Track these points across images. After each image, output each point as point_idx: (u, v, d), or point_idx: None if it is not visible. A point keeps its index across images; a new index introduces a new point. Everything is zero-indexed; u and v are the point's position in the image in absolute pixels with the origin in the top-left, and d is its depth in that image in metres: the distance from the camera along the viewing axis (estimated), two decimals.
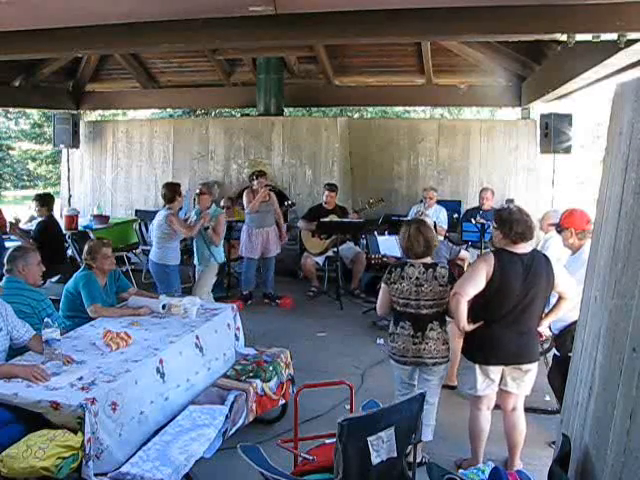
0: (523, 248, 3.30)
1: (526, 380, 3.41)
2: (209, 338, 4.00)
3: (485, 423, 3.47)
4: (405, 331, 3.55)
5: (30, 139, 18.61)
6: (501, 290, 3.23)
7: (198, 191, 6.39)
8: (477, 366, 3.37)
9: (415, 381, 3.67)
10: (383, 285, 3.68)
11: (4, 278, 3.92)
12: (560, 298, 3.43)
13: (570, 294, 3.37)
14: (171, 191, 5.96)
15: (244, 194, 7.21)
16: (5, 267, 3.90)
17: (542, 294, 3.31)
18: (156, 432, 3.18)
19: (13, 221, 6.87)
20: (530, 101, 8.07)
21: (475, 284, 3.22)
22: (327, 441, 2.96)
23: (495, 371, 3.36)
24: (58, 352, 3.31)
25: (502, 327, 3.28)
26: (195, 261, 6.45)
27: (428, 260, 3.62)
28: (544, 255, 3.41)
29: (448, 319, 4.76)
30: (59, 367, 3.21)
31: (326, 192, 7.48)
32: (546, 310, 3.50)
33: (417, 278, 3.52)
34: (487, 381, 3.38)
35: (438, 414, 3.70)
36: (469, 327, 3.29)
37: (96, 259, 4.39)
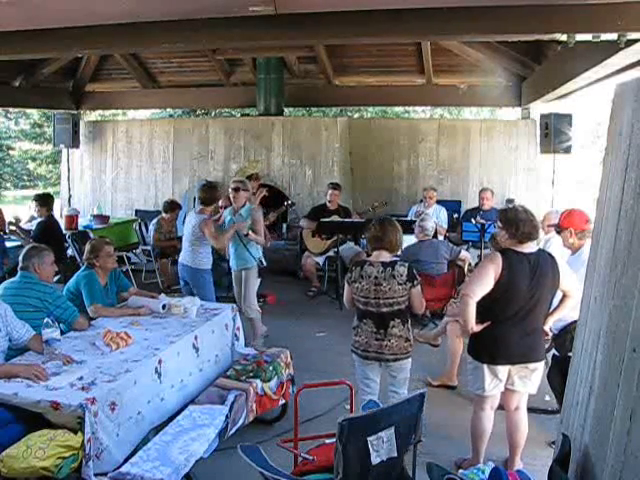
0: (529, 248, 3.29)
1: (533, 378, 3.41)
2: (206, 339, 4.01)
3: (488, 423, 3.47)
4: (368, 327, 3.58)
5: (30, 139, 18.61)
6: (509, 290, 3.22)
7: (234, 186, 5.47)
8: (485, 366, 3.36)
9: (378, 378, 3.68)
10: (345, 284, 3.71)
11: (19, 273, 3.96)
12: (564, 296, 3.42)
13: (574, 292, 3.37)
14: (211, 194, 5.41)
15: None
16: (20, 264, 3.96)
17: (548, 293, 3.31)
18: (152, 432, 3.19)
19: (13, 220, 6.87)
20: (530, 101, 8.07)
21: (483, 285, 3.21)
22: (327, 441, 2.96)
23: (503, 371, 3.35)
24: (58, 352, 3.32)
25: (509, 327, 3.27)
26: (232, 265, 5.66)
27: (387, 258, 3.59)
28: (549, 254, 3.41)
29: (447, 318, 4.76)
30: (59, 367, 3.21)
31: (330, 190, 7.48)
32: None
33: (376, 277, 3.51)
34: (495, 381, 3.37)
35: (438, 414, 3.70)
36: (477, 328, 3.28)
37: (99, 257, 4.39)
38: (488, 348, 3.35)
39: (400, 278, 3.48)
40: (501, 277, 3.20)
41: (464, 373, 4.28)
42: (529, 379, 3.39)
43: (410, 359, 3.65)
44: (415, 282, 3.51)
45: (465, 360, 3.67)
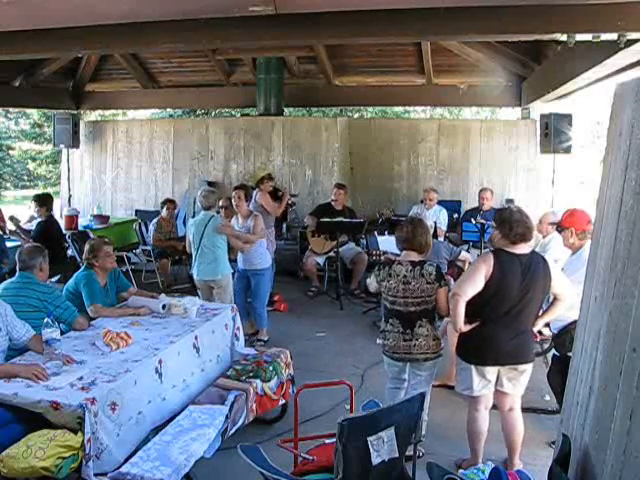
0: (522, 249, 3.30)
1: (521, 380, 3.41)
2: (206, 339, 4.01)
3: (483, 423, 3.47)
4: (394, 328, 3.60)
5: (30, 139, 18.62)
6: (499, 291, 3.23)
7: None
8: (473, 367, 3.36)
9: (406, 376, 3.71)
10: (374, 277, 3.75)
11: (17, 273, 3.94)
12: (555, 299, 3.44)
13: (565, 296, 3.38)
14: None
15: (259, 196, 6.61)
16: (23, 264, 3.91)
17: (539, 295, 3.32)
18: (152, 432, 3.18)
19: (12, 220, 6.86)
20: (530, 101, 8.08)
21: (474, 284, 3.22)
22: (327, 441, 2.96)
23: (491, 372, 3.36)
24: (58, 352, 3.32)
25: (499, 327, 3.28)
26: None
27: (415, 258, 3.62)
28: (542, 257, 3.42)
29: (447, 319, 4.75)
30: (59, 367, 3.21)
31: (335, 189, 7.51)
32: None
33: (405, 276, 3.54)
34: (483, 381, 3.37)
35: (438, 414, 3.70)
36: (465, 328, 3.29)
37: (98, 257, 4.39)
38: (477, 349, 3.36)
39: (429, 277, 3.51)
40: (492, 277, 3.21)
41: None
42: (518, 381, 3.40)
43: (439, 359, 3.67)
44: (442, 282, 3.53)
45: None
